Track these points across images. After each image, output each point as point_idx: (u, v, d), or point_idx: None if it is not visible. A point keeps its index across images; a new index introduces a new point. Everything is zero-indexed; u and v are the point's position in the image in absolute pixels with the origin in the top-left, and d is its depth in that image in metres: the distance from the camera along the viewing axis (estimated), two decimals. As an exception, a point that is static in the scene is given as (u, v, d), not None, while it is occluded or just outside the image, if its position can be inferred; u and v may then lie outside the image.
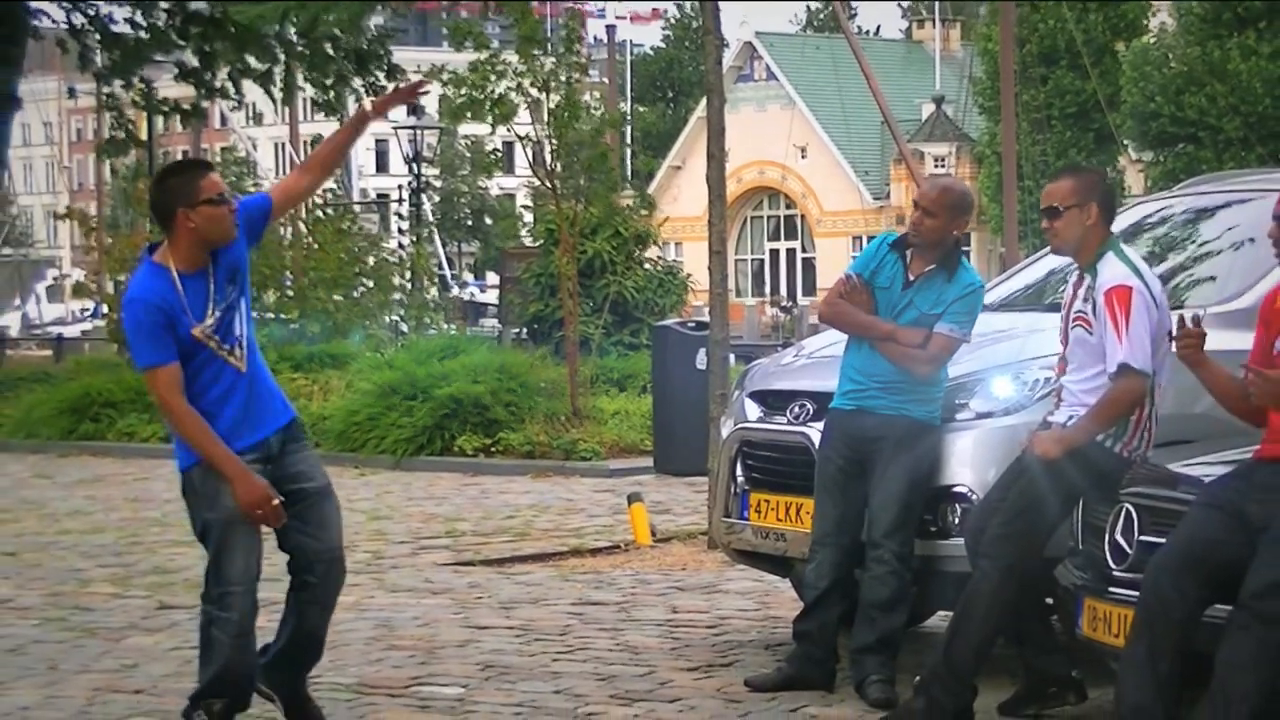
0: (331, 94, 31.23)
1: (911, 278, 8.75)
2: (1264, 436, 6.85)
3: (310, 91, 31.33)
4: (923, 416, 8.65)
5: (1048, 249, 10.61)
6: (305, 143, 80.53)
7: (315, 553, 7.45)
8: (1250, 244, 9.51)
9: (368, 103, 8.30)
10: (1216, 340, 8.20)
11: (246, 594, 7.30)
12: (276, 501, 7.20)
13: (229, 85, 32.01)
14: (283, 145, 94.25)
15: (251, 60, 30.94)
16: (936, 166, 70.54)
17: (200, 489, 7.30)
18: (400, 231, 63.86)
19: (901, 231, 9.05)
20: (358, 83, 31.36)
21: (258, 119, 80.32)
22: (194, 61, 31.02)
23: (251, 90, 32.60)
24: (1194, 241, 10.01)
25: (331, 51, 30.31)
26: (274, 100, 32.28)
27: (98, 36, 32.36)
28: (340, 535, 7.59)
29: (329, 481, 7.61)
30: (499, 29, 22.69)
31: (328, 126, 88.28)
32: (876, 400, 8.68)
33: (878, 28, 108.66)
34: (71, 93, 36.72)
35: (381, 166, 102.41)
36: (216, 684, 7.33)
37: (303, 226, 30.68)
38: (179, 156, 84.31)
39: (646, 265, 30.42)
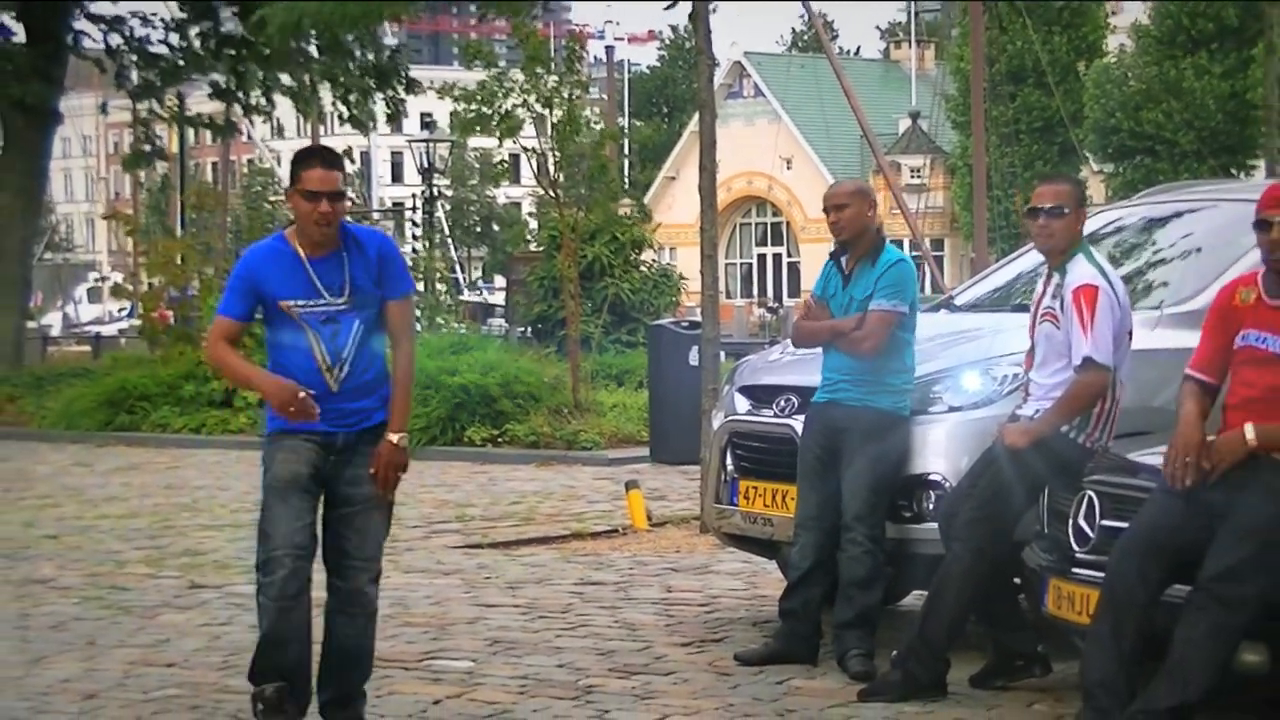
0: (356, 108, 31.36)
1: (846, 275, 8.84)
2: (1218, 431, 6.83)
3: (340, 109, 31.50)
4: (889, 407, 8.66)
5: (1019, 254, 10.65)
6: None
7: (348, 556, 7.10)
8: (1202, 250, 9.52)
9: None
10: (1173, 339, 8.24)
11: (289, 558, 6.91)
12: (303, 394, 6.85)
13: (262, 101, 32.15)
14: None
15: (282, 77, 31.00)
16: (912, 177, 70.47)
17: (263, 460, 7.10)
18: (414, 237, 63.86)
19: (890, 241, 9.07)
20: (379, 97, 31.51)
21: (280, 132, 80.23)
22: (226, 81, 31.13)
23: (276, 105, 32.59)
24: (1151, 247, 10.01)
25: (353, 68, 30.43)
26: (303, 114, 32.28)
27: (134, 57, 32.41)
28: (378, 549, 7.17)
29: (383, 493, 7.15)
30: (507, 49, 22.69)
31: (348, 140, 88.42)
32: (845, 393, 8.71)
33: (858, 48, 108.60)
34: (103, 109, 36.83)
35: (397, 177, 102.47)
36: (260, 651, 7.04)
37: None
38: (209, 168, 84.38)
39: (643, 268, 30.40)
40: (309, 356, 6.98)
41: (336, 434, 7.02)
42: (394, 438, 7.01)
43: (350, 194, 7.84)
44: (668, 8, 14.97)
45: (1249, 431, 6.51)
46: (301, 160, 7.02)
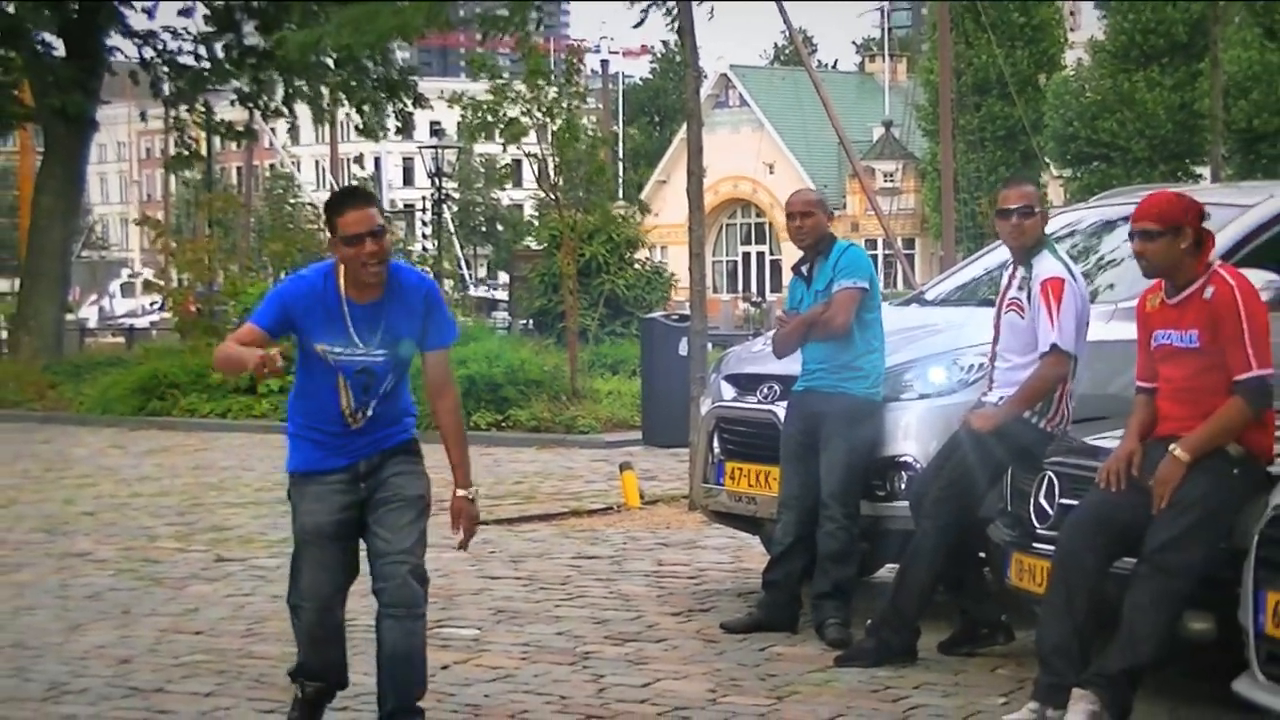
0: (368, 118, 31.41)
1: (808, 277, 8.89)
2: (1160, 419, 6.86)
3: (355, 118, 31.58)
4: (861, 393, 8.67)
5: (984, 253, 10.66)
6: (343, 161, 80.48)
7: (384, 554, 6.40)
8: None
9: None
10: (1125, 331, 8.19)
11: (314, 610, 6.47)
12: (272, 351, 6.11)
13: (282, 108, 32.21)
14: (321, 163, 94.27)
15: (299, 84, 31.08)
16: (885, 181, 70.55)
17: (291, 499, 6.55)
18: (424, 237, 63.68)
19: (856, 239, 9.08)
20: (390, 109, 31.53)
21: (296, 138, 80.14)
22: (249, 88, 31.22)
23: (296, 113, 32.55)
24: (1106, 246, 10.00)
25: (367, 80, 30.48)
26: (320, 120, 32.29)
27: (165, 68, 32.47)
28: (417, 547, 6.48)
29: (421, 495, 6.55)
30: (510, 61, 22.69)
31: (362, 146, 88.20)
32: (821, 380, 8.74)
33: (835, 61, 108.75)
34: (143, 116, 37.10)
35: (408, 180, 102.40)
36: (304, 669, 6.67)
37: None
38: (234, 172, 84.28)
39: (636, 266, 30.36)
40: (334, 397, 6.39)
41: (358, 463, 6.45)
42: (462, 493, 6.51)
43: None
44: (637, 25, 15.07)
45: (1179, 452, 6.54)
46: (335, 207, 6.34)
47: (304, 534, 6.46)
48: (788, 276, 9.53)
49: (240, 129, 32.61)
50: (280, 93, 31.54)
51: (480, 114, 21.06)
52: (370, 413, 6.43)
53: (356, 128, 32.40)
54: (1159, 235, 6.75)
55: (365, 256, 6.21)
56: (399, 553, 6.38)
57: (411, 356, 6.47)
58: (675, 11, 14.12)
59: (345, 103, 31.81)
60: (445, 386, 6.53)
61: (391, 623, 6.40)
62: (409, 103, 31.30)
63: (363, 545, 6.57)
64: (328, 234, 6.42)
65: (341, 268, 6.35)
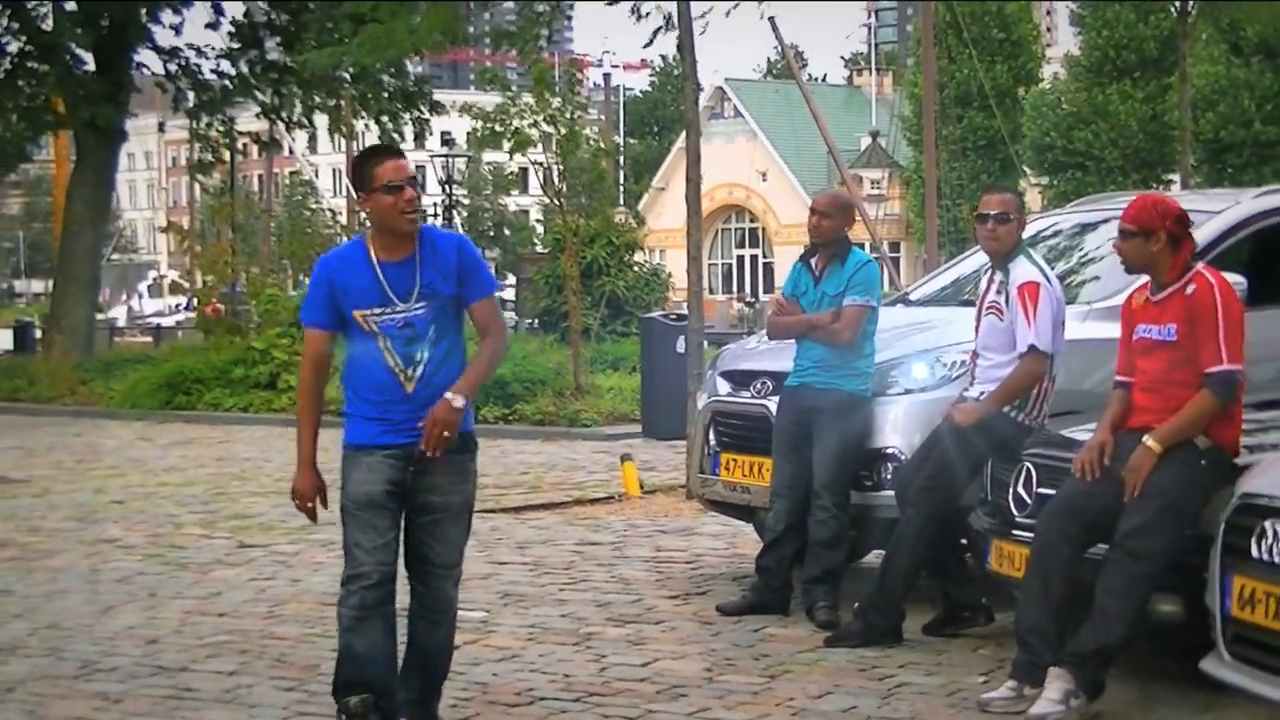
0: (386, 128, 31.43)
1: (817, 275, 8.84)
2: (1133, 411, 6.86)
3: (373, 127, 31.58)
4: (853, 390, 8.66)
5: (965, 256, 10.66)
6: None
7: (430, 563, 6.20)
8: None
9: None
10: (1100, 330, 8.23)
11: (375, 572, 6.04)
12: (311, 505, 6.10)
13: (303, 119, 32.25)
14: (338, 170, 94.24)
15: (318, 98, 31.14)
16: (872, 188, 70.49)
17: (341, 473, 6.12)
18: (435, 240, 63.22)
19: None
20: (407, 118, 31.59)
21: (314, 147, 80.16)
22: (272, 101, 31.26)
23: (315, 125, 32.57)
24: (1081, 250, 10.00)
25: (383, 92, 30.51)
26: (336, 132, 32.28)
27: (189, 83, 32.50)
28: (460, 555, 6.30)
29: (464, 499, 6.26)
30: (517, 75, 22.69)
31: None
32: (815, 377, 8.72)
33: (824, 75, 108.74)
34: (161, 127, 37.05)
35: (420, 187, 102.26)
36: (339, 665, 6.20)
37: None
38: (255, 179, 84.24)
39: (636, 268, 30.37)
40: (381, 364, 6.07)
41: (414, 445, 6.04)
42: (450, 396, 6.00)
43: None
44: (647, 45, 15.12)
45: (1151, 443, 6.55)
46: (369, 159, 6.15)
47: (354, 502, 6.07)
48: (780, 278, 9.54)
49: (265, 139, 32.64)
50: (300, 106, 31.59)
51: (489, 124, 21.06)
52: (421, 372, 6.08)
53: (380, 138, 32.42)
54: (1132, 235, 6.83)
55: (404, 204, 6.03)
56: (447, 567, 6.26)
57: (453, 310, 6.15)
58: (673, 18, 14.14)
59: (364, 114, 31.85)
60: (490, 328, 6.21)
61: (428, 626, 6.30)
62: (425, 110, 31.32)
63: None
64: (358, 193, 6.17)
65: (371, 236, 6.14)
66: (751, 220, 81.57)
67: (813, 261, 8.89)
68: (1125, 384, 6.97)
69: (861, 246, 9.20)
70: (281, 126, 32.24)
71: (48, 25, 30.59)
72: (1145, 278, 7.00)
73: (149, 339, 42.80)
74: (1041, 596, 6.76)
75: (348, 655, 6.13)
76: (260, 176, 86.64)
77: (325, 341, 6.18)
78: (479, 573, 10.26)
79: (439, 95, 31.58)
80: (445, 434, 6.00)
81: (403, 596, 6.30)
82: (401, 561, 6.21)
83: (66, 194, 31.77)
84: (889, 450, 8.70)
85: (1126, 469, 6.58)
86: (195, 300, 27.50)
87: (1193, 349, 6.63)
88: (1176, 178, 45.74)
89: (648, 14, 14.59)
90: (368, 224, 6.22)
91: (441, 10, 14.82)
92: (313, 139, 56.15)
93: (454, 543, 6.26)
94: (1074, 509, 6.77)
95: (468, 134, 31.62)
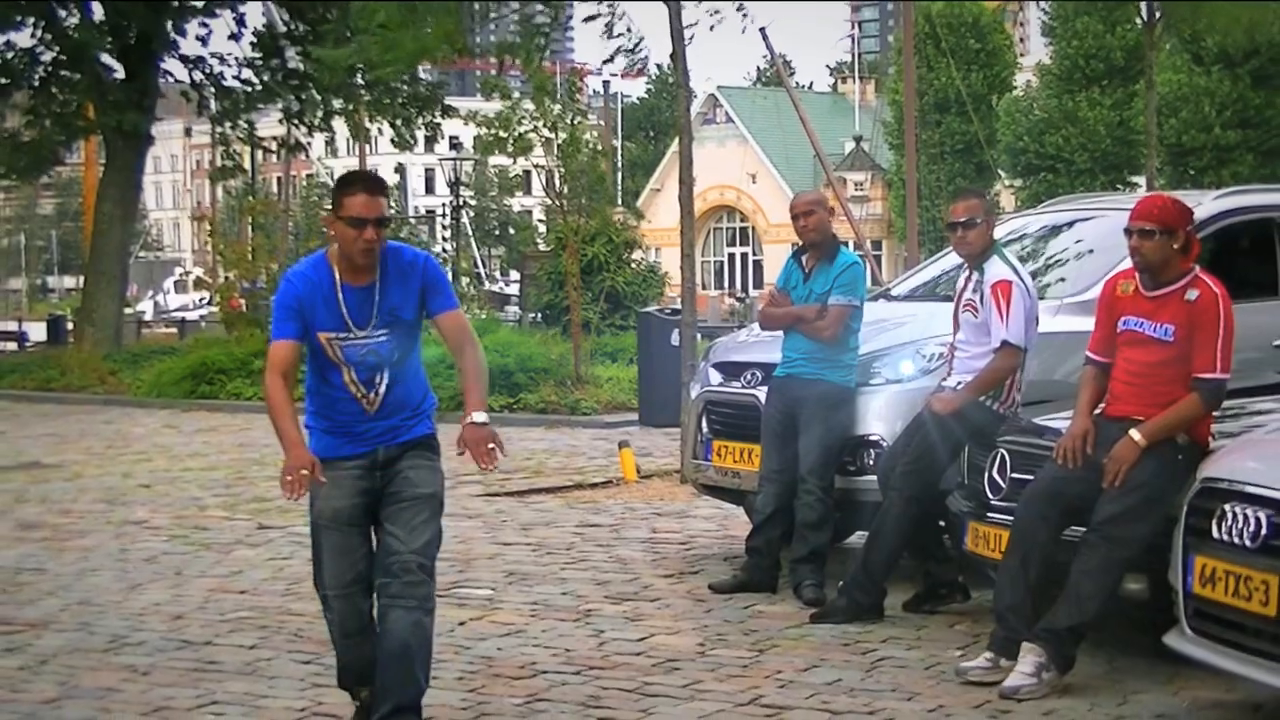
0: (400, 130, 31.41)
1: (807, 271, 8.84)
2: (1107, 400, 6.85)
3: (388, 131, 31.56)
4: (838, 380, 8.66)
5: (944, 253, 10.65)
6: (373, 171, 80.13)
7: (395, 553, 5.69)
8: (1093, 251, 9.51)
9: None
10: (1070, 324, 8.23)
11: (342, 598, 5.77)
12: (306, 473, 5.52)
13: (322, 123, 32.22)
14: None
15: (336, 103, 31.14)
16: (856, 190, 70.45)
17: (310, 487, 5.66)
18: (444, 239, 63.57)
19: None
20: (420, 122, 31.57)
21: (334, 152, 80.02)
22: (293, 107, 31.27)
23: (334, 129, 32.45)
24: (1052, 248, 10.00)
25: (397, 97, 30.50)
26: (355, 136, 32.16)
27: (212, 89, 32.53)
28: (428, 544, 5.75)
29: (435, 493, 5.84)
30: (520, 82, 22.64)
31: (389, 158, 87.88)
32: (802, 369, 8.72)
33: (811, 83, 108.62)
34: (188, 132, 37.06)
35: (429, 189, 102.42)
36: (346, 676, 6.00)
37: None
38: (274, 181, 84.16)
39: (633, 265, 30.37)
40: (344, 389, 5.76)
41: (376, 450, 5.78)
42: (472, 415, 5.69)
43: (389, 203, 6.22)
44: (606, 62, 15.24)
45: (1137, 436, 6.53)
46: (344, 185, 5.71)
47: (322, 519, 5.78)
48: (770, 275, 9.54)
49: (288, 143, 32.64)
50: (320, 111, 31.62)
51: (494, 130, 21.03)
52: (383, 393, 5.76)
53: (393, 141, 32.38)
54: (1154, 234, 6.67)
55: (363, 241, 5.59)
56: (411, 551, 5.69)
57: (417, 332, 5.83)
58: (643, 41, 14.28)
59: (379, 119, 31.84)
60: (464, 344, 5.81)
61: (401, 613, 5.65)
62: (437, 114, 31.30)
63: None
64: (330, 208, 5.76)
65: (335, 253, 5.72)
66: (742, 220, 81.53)
67: (804, 259, 8.89)
68: (1099, 363, 6.92)
69: (847, 245, 9.19)
70: (303, 130, 32.22)
71: (76, 35, 30.53)
72: (1122, 267, 6.95)
73: (174, 332, 42.77)
74: (1020, 575, 6.75)
75: (344, 665, 5.97)
76: (279, 179, 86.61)
77: (294, 351, 5.74)
78: (485, 553, 10.26)
79: (448, 101, 31.52)
80: (490, 446, 5.72)
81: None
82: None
83: (96, 195, 31.77)
84: (872, 437, 8.70)
85: (1109, 458, 6.56)
86: (218, 295, 27.47)
87: (1188, 351, 6.57)
88: (1142, 180, 45.71)
89: (618, 34, 14.59)
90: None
91: (446, 21, 14.80)
92: (330, 143, 55.99)
93: (421, 529, 5.73)
94: (1052, 494, 6.76)
95: (474, 139, 31.55)
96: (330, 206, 5.76)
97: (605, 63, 15.24)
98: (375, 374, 5.77)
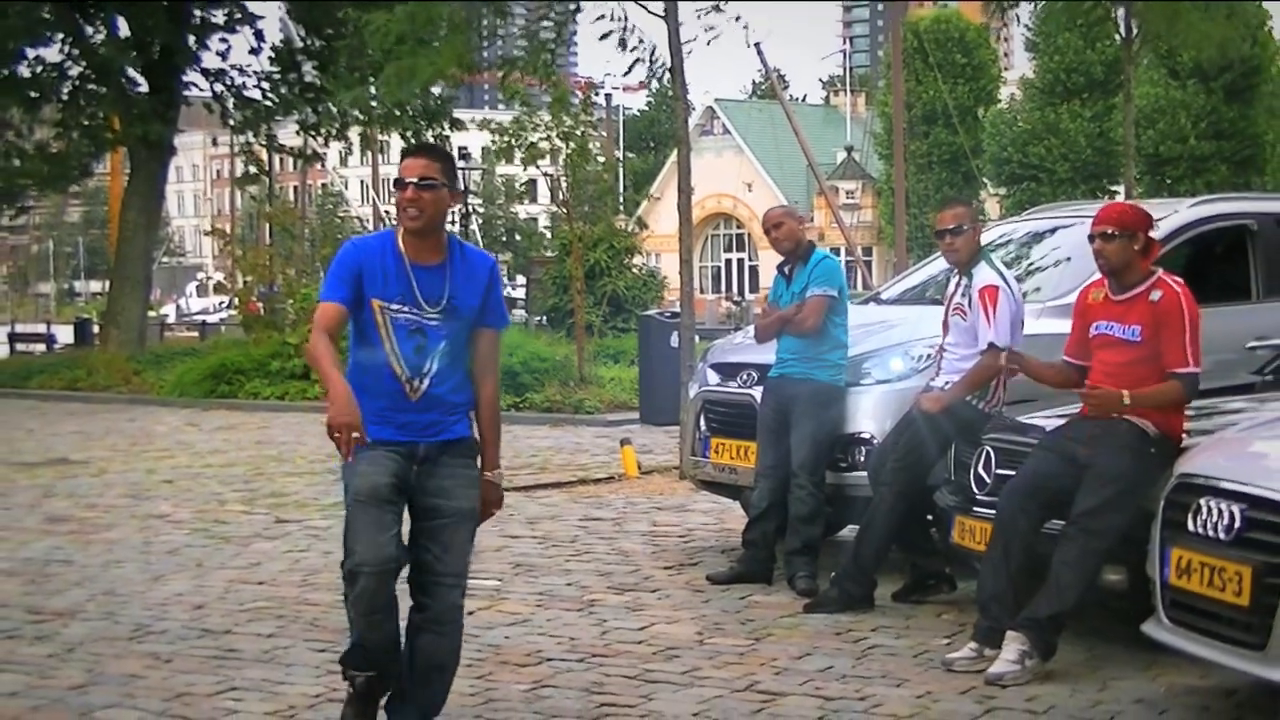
0: (410, 142, 31.42)
1: (788, 278, 8.90)
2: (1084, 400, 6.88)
3: (399, 141, 31.56)
4: (827, 379, 8.67)
5: (931, 259, 10.66)
6: (384, 181, 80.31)
7: (435, 573, 5.55)
8: (1072, 258, 9.52)
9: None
10: (1052, 326, 8.22)
11: (374, 576, 5.36)
12: (356, 435, 5.19)
13: (338, 134, 32.24)
14: (365, 182, 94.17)
15: (350, 116, 31.18)
16: (847, 198, 70.44)
17: (343, 473, 5.53)
18: (454, 245, 63.07)
19: (822, 247, 9.07)
20: (429, 134, 31.59)
21: (345, 161, 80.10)
22: (310, 119, 31.34)
23: (349, 139, 32.36)
24: (1035, 253, 10.00)
25: (409, 111, 30.53)
26: (368, 148, 32.08)
27: (234, 101, 32.58)
28: (465, 564, 5.63)
29: (472, 507, 5.61)
30: (536, 92, 22.63)
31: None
32: (793, 368, 8.73)
33: (804, 95, 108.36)
34: (214, 142, 37.10)
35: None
36: (354, 655, 5.62)
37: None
38: (291, 190, 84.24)
39: (634, 270, 30.36)
40: (388, 372, 5.51)
41: (418, 444, 5.52)
42: (490, 475, 5.65)
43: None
44: (625, 74, 15.21)
45: (1125, 395, 6.57)
46: (403, 154, 5.69)
47: (359, 494, 5.45)
48: (765, 280, 9.59)
49: (307, 153, 32.68)
50: (336, 125, 31.70)
51: (505, 137, 21.02)
52: (427, 384, 5.51)
53: (407, 153, 32.43)
54: (1116, 237, 6.74)
55: (404, 200, 5.47)
56: (453, 575, 5.57)
57: (468, 330, 5.61)
58: (656, 50, 14.26)
59: (390, 130, 31.86)
60: (489, 371, 5.69)
61: (434, 637, 5.60)
62: (446, 127, 31.34)
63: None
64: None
65: (401, 232, 5.57)
66: (738, 227, 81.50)
67: (785, 269, 8.95)
68: (1074, 365, 7.03)
69: (837, 251, 9.20)
70: (320, 141, 32.26)
71: (102, 50, 30.55)
72: (1097, 275, 6.99)
73: (195, 334, 42.80)
74: (1002, 567, 6.76)
75: (360, 643, 5.58)
76: (295, 188, 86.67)
77: (340, 314, 5.48)
78: (492, 545, 10.25)
79: (457, 113, 31.54)
80: (493, 511, 5.73)
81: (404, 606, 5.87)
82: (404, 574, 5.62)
83: (121, 203, 31.78)
84: (863, 435, 8.70)
85: (1094, 394, 6.63)
86: (237, 299, 27.48)
87: (1156, 350, 6.64)
88: (1121, 188, 45.75)
89: (633, 48, 14.59)
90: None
91: (455, 42, 14.80)
92: (347, 152, 56.06)
93: (460, 549, 5.59)
94: (1033, 489, 6.77)
95: (483, 149, 31.59)
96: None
97: (625, 74, 15.25)
98: (423, 361, 5.52)
